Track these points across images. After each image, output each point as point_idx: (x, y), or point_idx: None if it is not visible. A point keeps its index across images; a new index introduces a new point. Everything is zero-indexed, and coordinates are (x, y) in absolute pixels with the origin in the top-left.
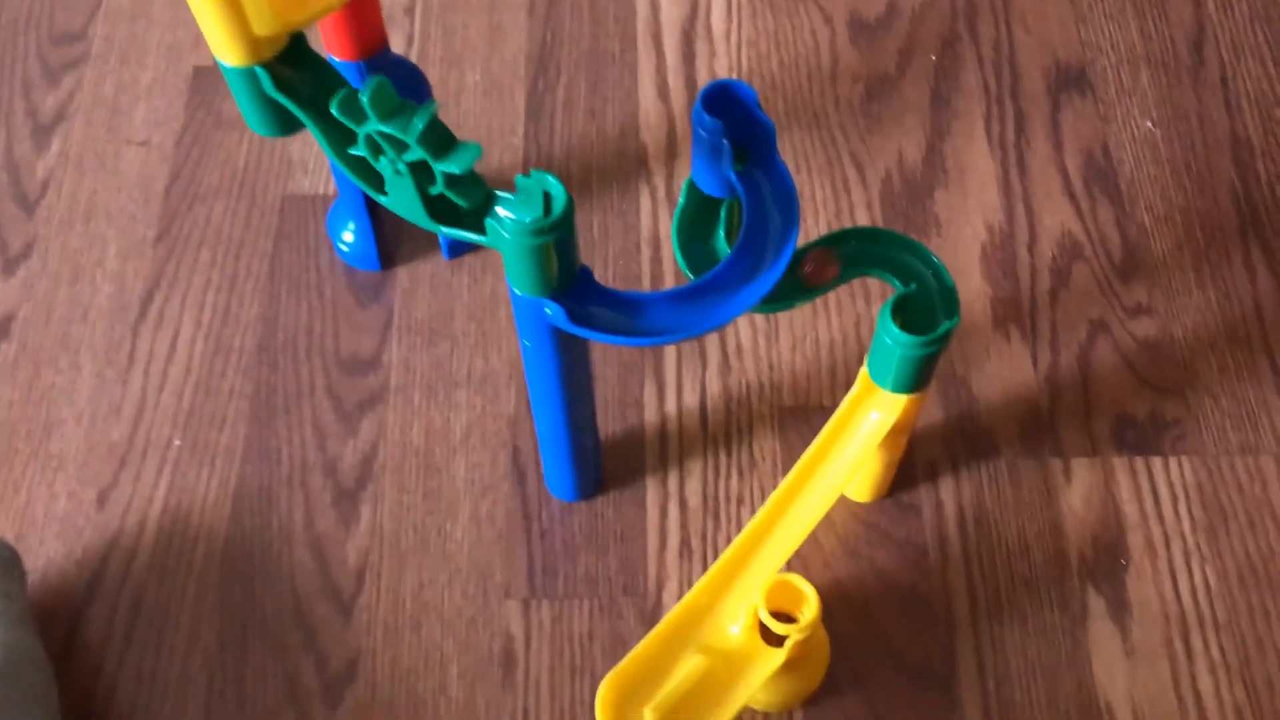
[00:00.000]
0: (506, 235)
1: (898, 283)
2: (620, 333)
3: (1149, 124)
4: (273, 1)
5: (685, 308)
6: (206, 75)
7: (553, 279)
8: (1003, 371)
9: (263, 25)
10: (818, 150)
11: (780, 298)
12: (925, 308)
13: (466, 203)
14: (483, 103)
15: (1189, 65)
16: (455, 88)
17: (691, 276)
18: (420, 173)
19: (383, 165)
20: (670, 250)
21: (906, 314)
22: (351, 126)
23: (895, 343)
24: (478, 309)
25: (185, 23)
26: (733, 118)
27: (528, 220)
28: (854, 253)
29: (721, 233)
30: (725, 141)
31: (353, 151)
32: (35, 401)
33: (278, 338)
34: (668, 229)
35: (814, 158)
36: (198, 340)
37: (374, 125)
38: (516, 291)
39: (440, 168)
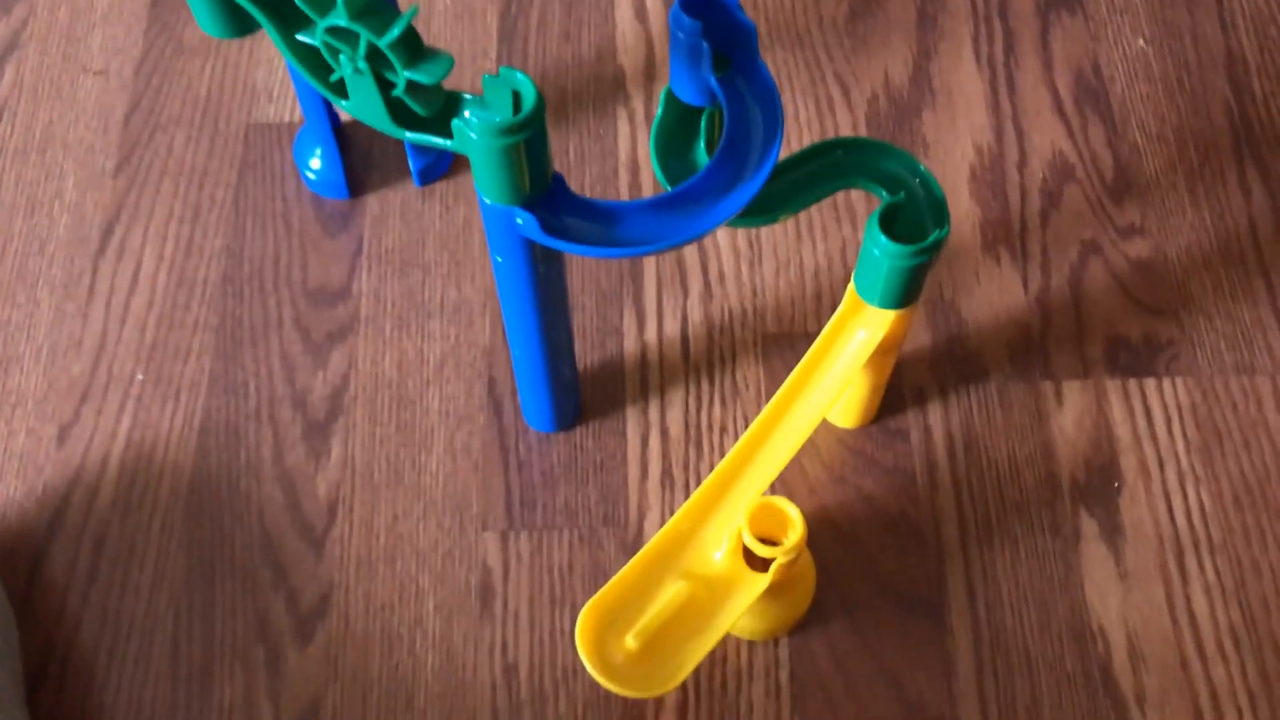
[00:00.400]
0: (474, 137)
1: (884, 193)
2: (596, 243)
3: (1141, 42)
4: None
5: (664, 217)
6: (165, 1)
7: (524, 185)
8: (992, 294)
9: None
10: (801, 71)
11: (763, 210)
12: (914, 218)
13: (424, 110)
14: (454, 26)
15: None
16: (424, 11)
17: (666, 185)
18: (379, 64)
19: (343, 64)
20: (650, 175)
21: (895, 225)
22: (313, 16)
23: (884, 254)
24: (450, 237)
25: None
26: (712, 21)
27: (496, 120)
28: (839, 163)
29: (702, 145)
30: (705, 44)
31: (328, 68)
32: None
33: (243, 269)
34: (646, 153)
35: (797, 78)
36: (160, 273)
37: (340, 19)
38: (486, 200)
39: (409, 75)
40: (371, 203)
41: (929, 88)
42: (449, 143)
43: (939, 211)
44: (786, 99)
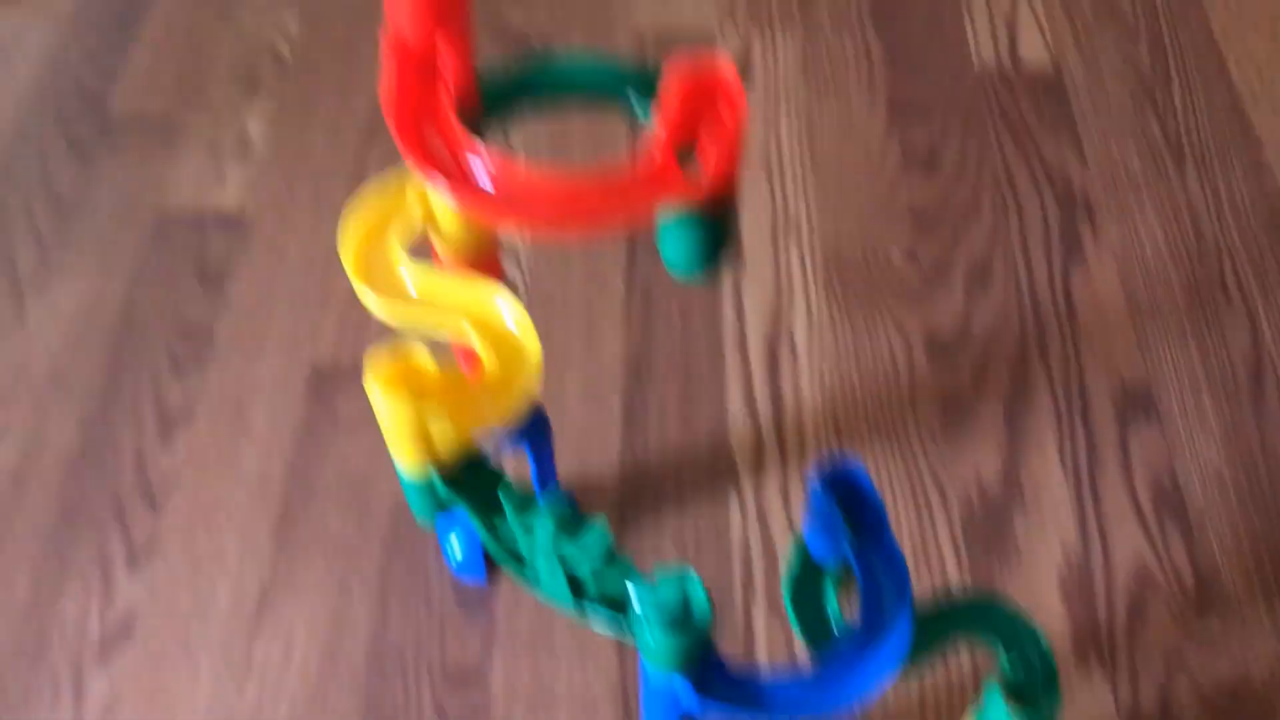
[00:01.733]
0: (647, 630)
1: (1003, 652)
2: (749, 709)
3: (1213, 450)
4: (458, 430)
5: (811, 690)
6: (324, 375)
7: (687, 663)
8: (1086, 708)
9: (447, 450)
10: (899, 469)
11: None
12: (1028, 679)
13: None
14: (581, 409)
15: (1249, 393)
16: (555, 390)
17: (802, 636)
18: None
19: (539, 563)
20: (761, 566)
21: (1010, 684)
22: (522, 548)
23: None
24: (579, 623)
25: (304, 319)
26: (844, 491)
27: (667, 619)
28: (962, 622)
29: (832, 593)
30: (839, 518)
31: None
32: (152, 702)
33: (387, 649)
34: (757, 541)
35: (896, 477)
36: (311, 649)
37: (547, 547)
38: (650, 668)
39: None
40: (506, 586)
41: (1018, 490)
42: (624, 627)
43: (1050, 681)
44: (887, 498)
